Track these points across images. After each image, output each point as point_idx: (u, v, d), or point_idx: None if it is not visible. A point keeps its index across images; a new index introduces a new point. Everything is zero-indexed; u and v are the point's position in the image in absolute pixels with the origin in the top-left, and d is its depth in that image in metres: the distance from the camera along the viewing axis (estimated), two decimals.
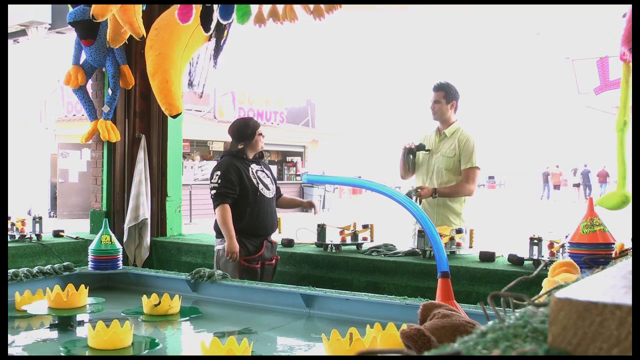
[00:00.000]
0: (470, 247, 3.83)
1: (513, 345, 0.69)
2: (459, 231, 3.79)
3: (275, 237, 4.15)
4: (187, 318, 2.98)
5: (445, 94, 4.09)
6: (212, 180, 3.86)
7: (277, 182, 4.18)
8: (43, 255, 4.25)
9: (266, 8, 3.36)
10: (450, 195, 4.00)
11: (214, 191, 3.82)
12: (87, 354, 2.36)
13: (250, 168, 3.91)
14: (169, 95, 3.99)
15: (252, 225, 3.83)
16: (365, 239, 4.10)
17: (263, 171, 3.99)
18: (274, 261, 3.97)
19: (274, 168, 21.77)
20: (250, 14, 3.38)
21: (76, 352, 2.41)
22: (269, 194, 3.94)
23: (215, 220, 3.88)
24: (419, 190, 3.93)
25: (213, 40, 4.06)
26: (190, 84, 4.22)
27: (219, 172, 3.83)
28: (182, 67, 4.11)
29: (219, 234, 3.89)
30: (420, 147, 4.14)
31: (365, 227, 4.11)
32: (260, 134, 3.99)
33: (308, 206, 4.52)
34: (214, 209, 3.81)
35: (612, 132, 2.30)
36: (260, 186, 3.88)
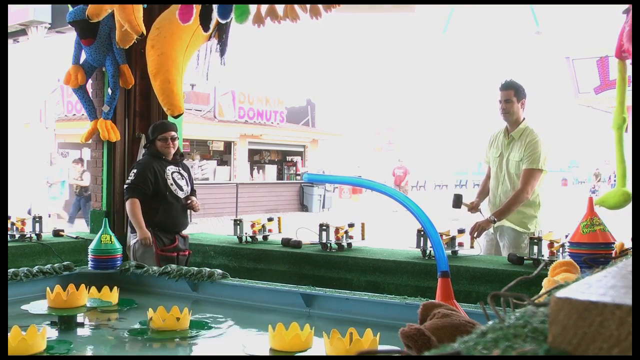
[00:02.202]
0: (472, 247, 3.83)
1: (513, 345, 0.69)
2: (460, 231, 3.79)
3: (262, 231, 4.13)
4: (196, 333, 2.68)
5: (516, 91, 3.98)
6: (128, 177, 4.17)
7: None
8: (43, 254, 4.24)
9: (264, 8, 3.36)
10: (509, 212, 3.88)
11: (125, 186, 4.16)
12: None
13: (166, 169, 4.19)
14: (171, 96, 4.00)
15: (164, 222, 4.16)
16: (351, 237, 4.08)
17: (179, 172, 4.27)
18: (187, 253, 4.27)
19: (273, 168, 21.93)
20: (249, 13, 3.38)
21: None
22: (182, 194, 4.24)
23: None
24: (471, 233, 3.85)
25: (214, 39, 4.06)
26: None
27: (135, 170, 4.15)
28: (184, 67, 4.11)
29: (133, 229, 4.15)
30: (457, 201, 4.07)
31: (351, 225, 4.10)
32: (164, 140, 4.17)
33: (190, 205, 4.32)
34: (125, 202, 4.15)
35: (610, 130, 2.30)
36: (174, 187, 4.19)
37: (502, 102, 4.02)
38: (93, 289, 3.13)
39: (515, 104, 3.98)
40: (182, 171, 4.29)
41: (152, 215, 4.12)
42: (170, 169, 4.20)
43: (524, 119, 4.04)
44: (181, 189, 4.22)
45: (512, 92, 3.98)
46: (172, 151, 4.23)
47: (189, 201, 4.27)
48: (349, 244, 4.07)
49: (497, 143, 4.14)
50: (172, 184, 4.17)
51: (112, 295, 3.12)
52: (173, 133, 4.21)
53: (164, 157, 4.20)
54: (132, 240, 4.20)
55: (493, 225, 3.92)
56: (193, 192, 4.38)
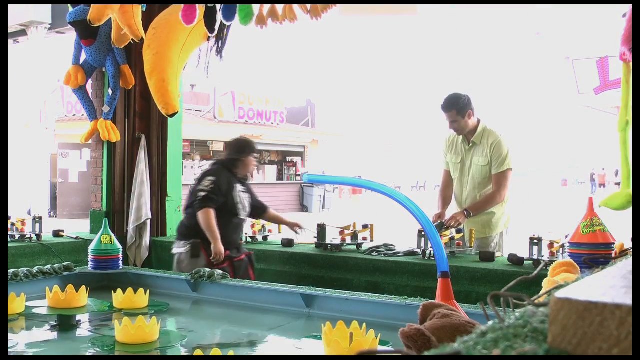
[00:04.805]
0: (470, 247, 3.83)
1: (513, 345, 0.69)
2: (459, 231, 3.79)
3: (276, 236, 4.26)
4: (168, 345, 2.50)
5: (458, 111, 3.92)
6: (202, 184, 3.91)
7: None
8: (43, 255, 4.25)
9: (266, 8, 3.37)
10: (483, 210, 3.91)
11: (202, 194, 3.86)
12: None
13: (237, 185, 4.02)
14: (166, 95, 3.99)
15: (223, 237, 3.87)
16: (365, 239, 4.09)
17: (245, 192, 4.11)
18: (243, 256, 4.03)
19: (273, 168, 21.92)
20: (253, 15, 3.38)
21: None
22: (244, 215, 4.08)
23: (182, 222, 4.06)
24: (447, 223, 3.83)
25: (212, 39, 4.06)
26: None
27: (212, 178, 3.92)
28: (180, 66, 4.10)
29: (182, 237, 3.97)
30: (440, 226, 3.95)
31: (365, 227, 4.11)
32: (255, 159, 4.13)
33: (292, 227, 4.35)
34: (197, 211, 3.84)
35: (615, 132, 2.30)
36: (240, 205, 4.01)
37: (449, 123, 4.00)
38: (119, 291, 3.00)
39: (462, 121, 3.93)
40: (247, 192, 4.14)
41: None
42: (239, 186, 4.05)
43: (479, 121, 4.00)
44: (245, 209, 4.06)
45: (454, 113, 3.93)
46: None
47: (295, 226, 4.26)
48: (360, 245, 4.07)
49: (456, 149, 4.11)
50: (239, 202, 4.00)
51: (142, 298, 3.03)
52: None
53: (236, 172, 4.05)
54: (178, 249, 3.97)
55: (466, 218, 3.89)
56: (263, 205, 4.31)
